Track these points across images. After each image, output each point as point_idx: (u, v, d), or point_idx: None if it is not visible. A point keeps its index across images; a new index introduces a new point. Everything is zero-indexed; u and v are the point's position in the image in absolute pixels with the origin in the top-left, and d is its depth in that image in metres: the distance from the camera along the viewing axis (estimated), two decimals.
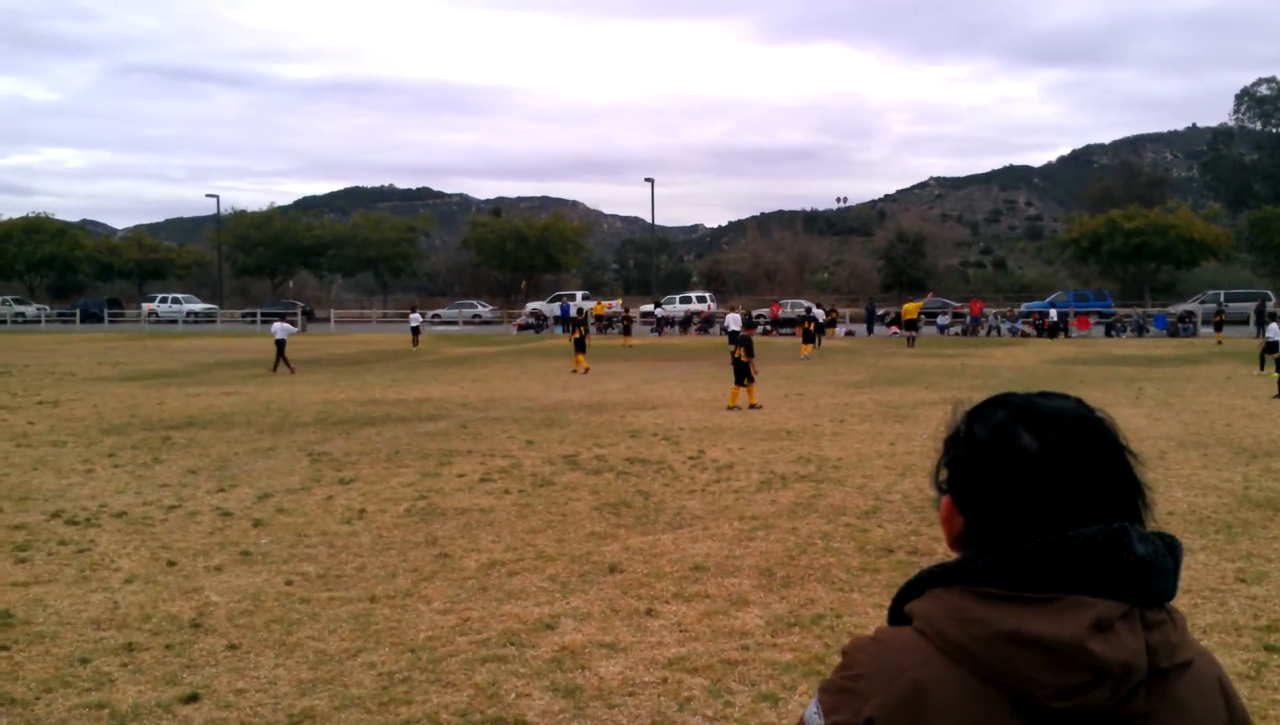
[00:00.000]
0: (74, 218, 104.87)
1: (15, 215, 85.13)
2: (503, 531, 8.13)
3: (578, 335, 26.24)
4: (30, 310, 69.81)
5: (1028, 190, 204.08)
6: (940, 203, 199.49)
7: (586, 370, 25.14)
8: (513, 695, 4.84)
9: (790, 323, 47.43)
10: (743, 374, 16.59)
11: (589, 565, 7.10)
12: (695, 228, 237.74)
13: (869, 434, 13.51)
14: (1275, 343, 21.03)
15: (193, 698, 4.80)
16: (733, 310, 33.12)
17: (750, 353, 16.60)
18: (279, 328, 26.15)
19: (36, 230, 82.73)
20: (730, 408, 16.38)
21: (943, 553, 7.37)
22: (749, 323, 18.94)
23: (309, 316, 62.48)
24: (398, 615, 6.03)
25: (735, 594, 6.39)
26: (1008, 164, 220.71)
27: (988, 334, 44.49)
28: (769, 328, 49.65)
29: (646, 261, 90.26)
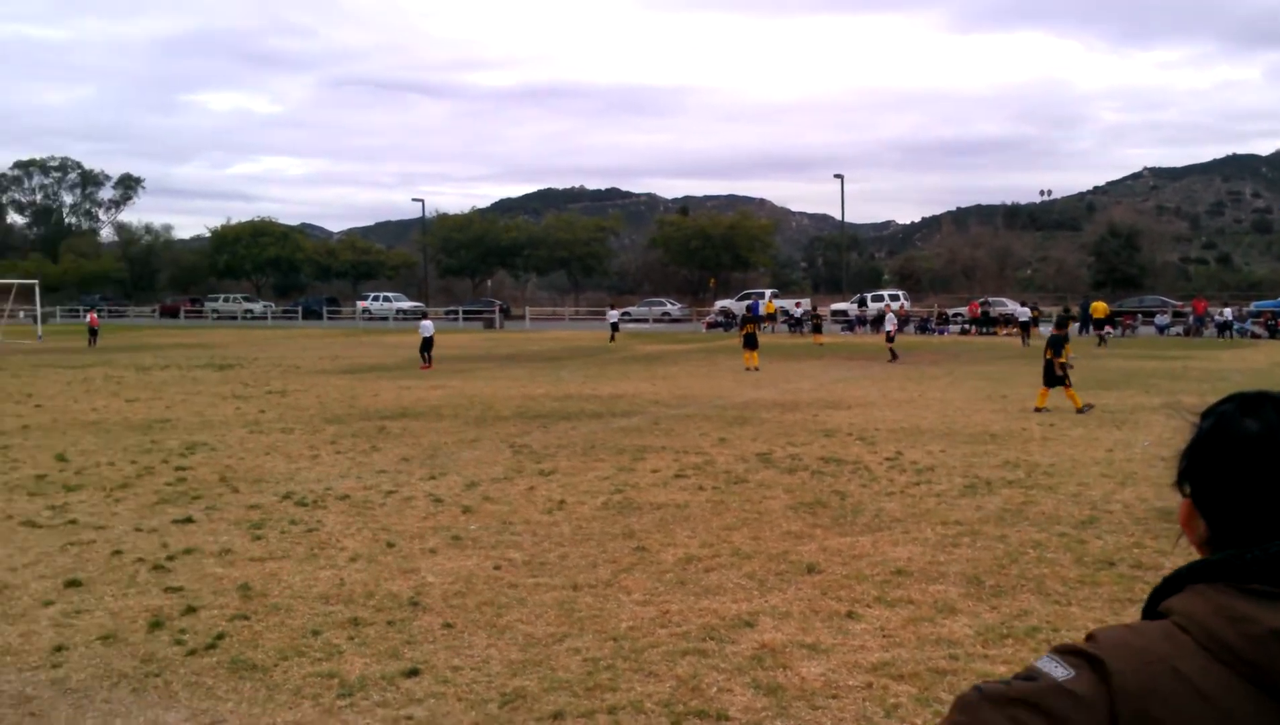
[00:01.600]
0: (294, 222, 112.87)
1: (242, 219, 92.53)
2: (698, 527, 8.19)
3: (747, 331, 26.12)
4: (258, 307, 75.71)
5: (1254, 181, 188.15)
6: (1155, 195, 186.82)
7: (757, 368, 25.02)
8: (714, 689, 4.86)
9: (992, 322, 45.49)
10: (1050, 374, 15.97)
11: (786, 564, 7.04)
12: (886, 224, 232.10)
13: (1083, 439, 12.79)
14: None
15: (413, 672, 5.07)
16: (887, 310, 32.21)
17: (1058, 352, 15.90)
18: (425, 325, 27.48)
19: (262, 233, 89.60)
20: (1037, 409, 15.85)
21: (1171, 566, 6.88)
22: (1062, 322, 18.09)
23: (505, 314, 64.85)
24: (599, 604, 6.17)
25: (941, 601, 6.19)
26: (1230, 153, 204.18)
27: (1222, 334, 40.96)
28: (967, 326, 47.84)
29: (835, 259, 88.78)
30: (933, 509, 8.76)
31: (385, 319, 68.27)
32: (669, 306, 66.61)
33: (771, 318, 50.83)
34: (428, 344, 26.95)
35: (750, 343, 25.87)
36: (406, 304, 71.94)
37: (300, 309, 73.55)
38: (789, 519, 8.44)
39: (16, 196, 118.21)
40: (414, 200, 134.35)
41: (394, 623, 5.84)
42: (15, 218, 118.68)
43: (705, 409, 16.63)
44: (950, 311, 52.06)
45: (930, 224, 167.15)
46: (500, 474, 10.56)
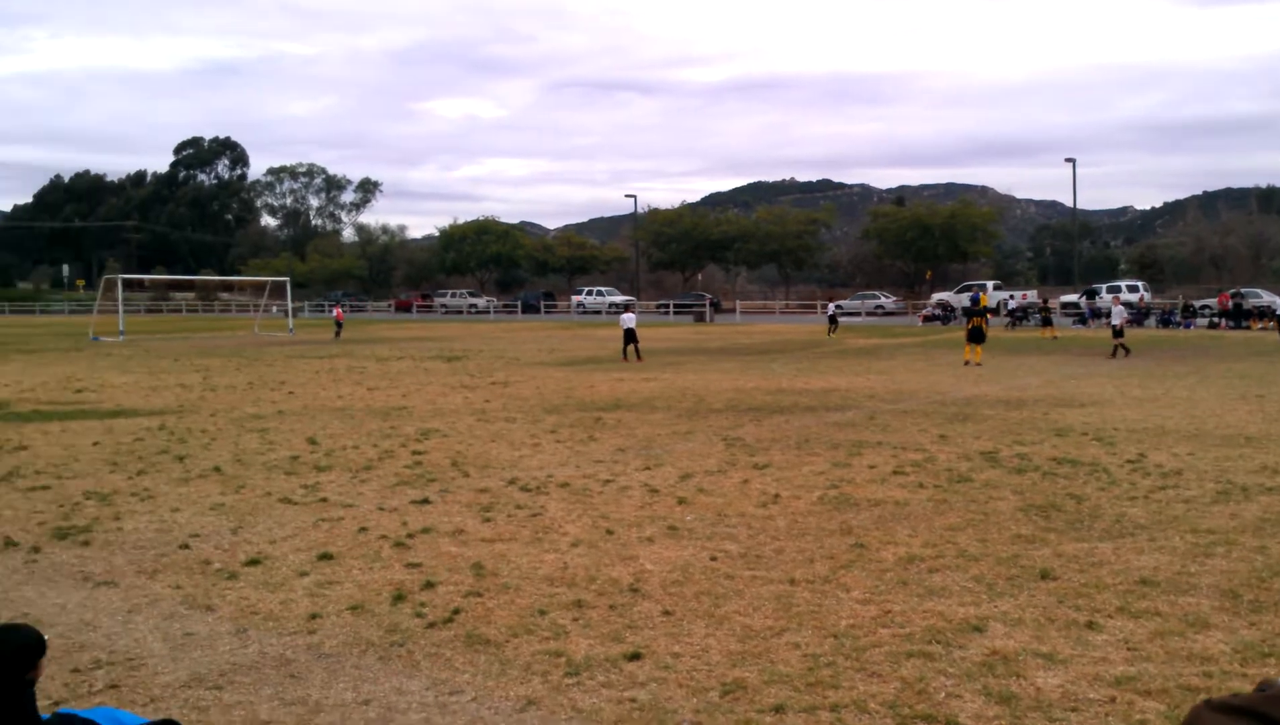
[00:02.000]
0: (514, 220, 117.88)
1: (468, 219, 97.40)
2: (919, 526, 7.93)
3: (974, 325, 25.06)
4: (481, 302, 79.58)
5: None
6: None
7: (979, 363, 23.96)
8: (942, 694, 4.69)
9: (1244, 315, 41.72)
10: None
11: (1017, 569, 6.71)
12: (1123, 211, 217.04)
13: None
14: None
15: (635, 656, 5.18)
16: (1116, 302, 29.84)
17: None
18: (626, 318, 27.67)
19: (485, 232, 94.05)
20: None
21: None
22: None
23: (715, 308, 65.17)
24: (818, 600, 6.09)
25: (1192, 614, 5.72)
26: None
27: None
28: (1216, 320, 44.10)
29: (1065, 248, 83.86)
30: (1181, 516, 8.12)
31: (598, 313, 70.13)
32: (883, 300, 65.03)
33: (993, 311, 48.73)
34: (630, 336, 27.21)
35: (975, 337, 24.86)
36: (619, 298, 73.62)
37: (519, 303, 76.75)
38: (1019, 522, 8.05)
39: (270, 201, 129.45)
40: (626, 196, 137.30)
41: (615, 607, 5.99)
42: (268, 220, 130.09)
43: (924, 404, 16.10)
44: (1197, 303, 48.16)
45: (1173, 209, 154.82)
46: (714, 466, 10.62)
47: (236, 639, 5.52)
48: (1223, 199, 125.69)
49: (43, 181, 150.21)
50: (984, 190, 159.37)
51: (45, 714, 3.75)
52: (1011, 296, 49.43)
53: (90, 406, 16.60)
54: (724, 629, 5.60)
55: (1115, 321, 27.98)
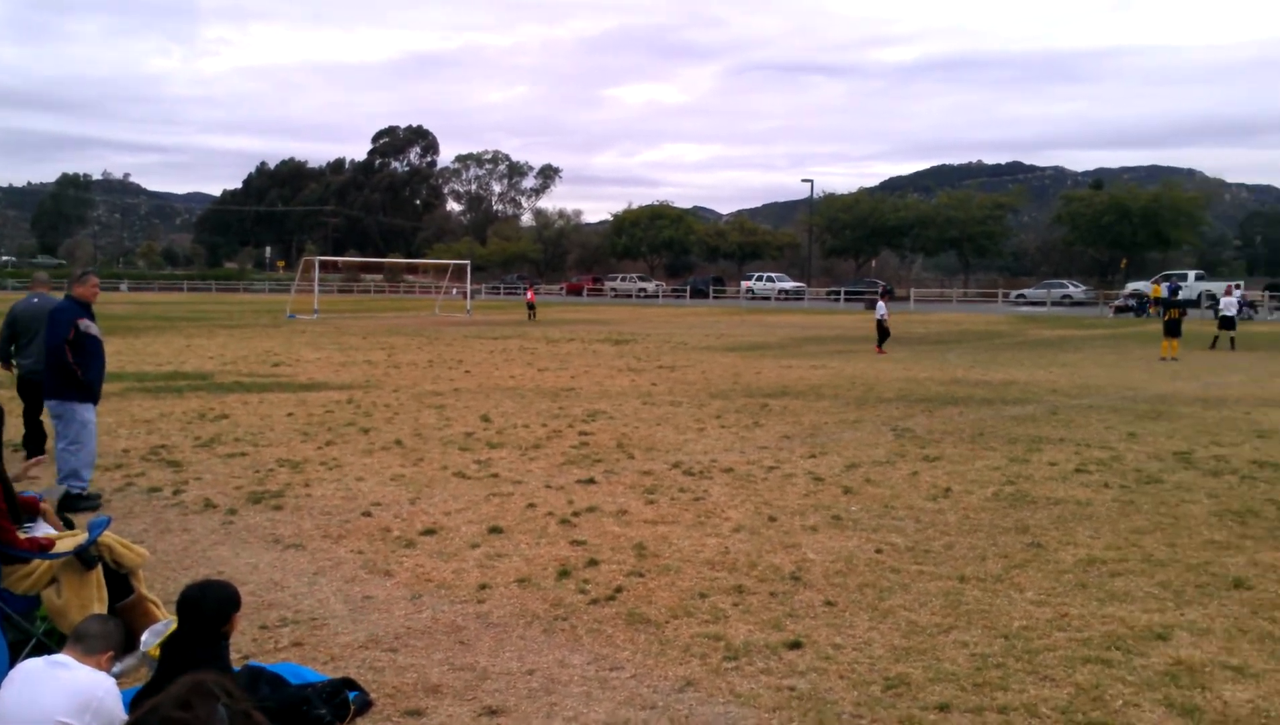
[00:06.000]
0: (688, 205, 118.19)
1: (642, 204, 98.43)
2: (1102, 527, 7.53)
3: (1171, 317, 23.50)
4: (650, 286, 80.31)
5: None
6: None
7: (1175, 358, 22.45)
8: (1119, 703, 4.45)
9: None
10: None
11: (1208, 576, 6.28)
12: None
13: None
14: None
15: (796, 644, 5.14)
16: (1228, 292, 27.82)
17: None
18: (880, 307, 26.83)
19: (658, 216, 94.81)
20: None
21: None
22: None
23: (889, 296, 63.59)
24: (989, 599, 5.88)
25: None
26: None
27: None
28: None
29: (1278, 237, 77.33)
30: None
31: (767, 298, 69.57)
32: (1070, 288, 61.77)
33: (1155, 302, 45.52)
34: (881, 326, 26.04)
35: (1172, 330, 23.36)
36: (789, 284, 72.84)
37: (688, 288, 77.04)
38: (1212, 527, 7.52)
39: (455, 187, 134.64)
40: (803, 181, 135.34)
41: (776, 594, 5.95)
42: (453, 205, 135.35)
43: (1111, 400, 15.23)
44: None
45: None
46: (882, 457, 10.39)
47: (411, 604, 5.80)
48: None
49: (251, 169, 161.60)
50: (1191, 173, 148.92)
51: (235, 666, 4.04)
52: (1234, 288, 46.15)
53: (286, 379, 17.75)
54: (888, 623, 5.48)
55: (1227, 311, 27.23)
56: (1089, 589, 6.05)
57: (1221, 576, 6.26)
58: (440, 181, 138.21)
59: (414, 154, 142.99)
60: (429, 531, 7.37)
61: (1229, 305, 27.43)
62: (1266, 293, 50.02)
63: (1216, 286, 48.61)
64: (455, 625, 5.47)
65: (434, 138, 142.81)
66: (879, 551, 6.86)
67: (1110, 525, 7.59)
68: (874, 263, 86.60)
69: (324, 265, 67.44)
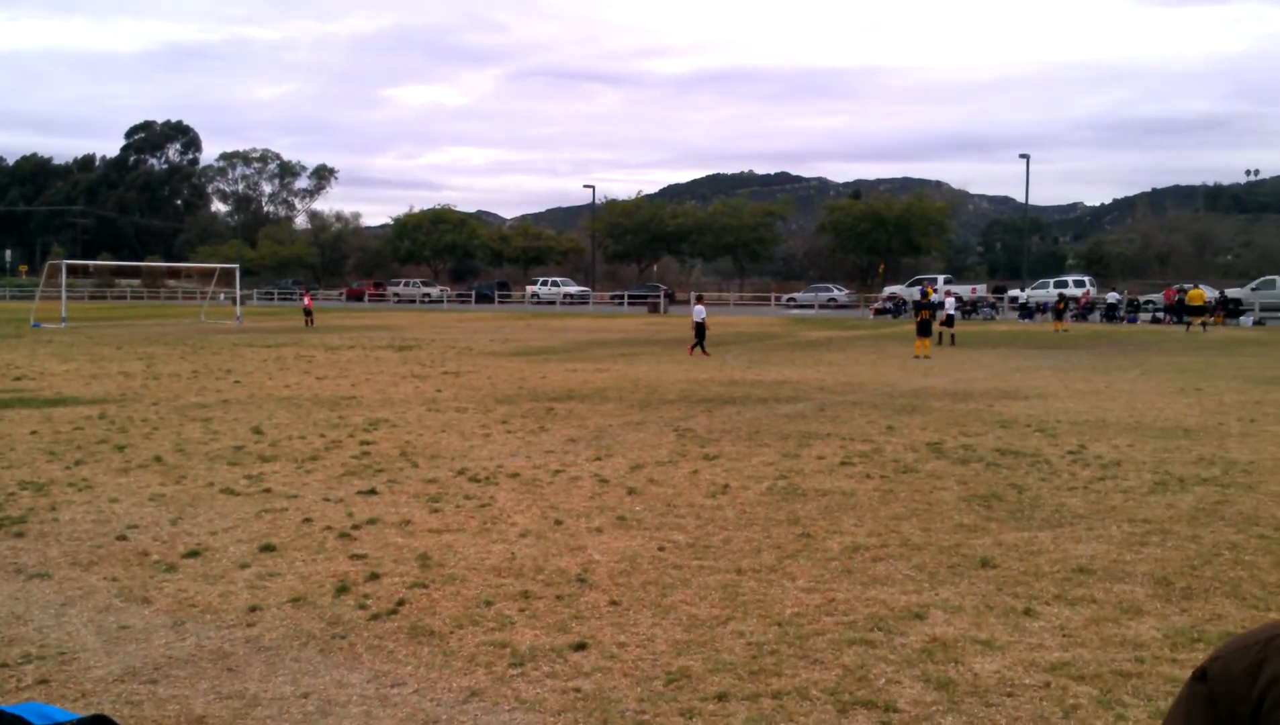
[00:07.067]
0: (471, 209, 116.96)
1: (425, 207, 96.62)
2: (865, 516, 8.02)
3: (923, 318, 25.45)
4: (435, 291, 78.93)
5: None
6: None
7: (928, 356, 24.34)
8: (882, 680, 4.75)
9: (1188, 310, 42.53)
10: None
11: (959, 557, 6.81)
12: (1073, 207, 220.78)
13: None
14: None
15: (581, 646, 5.17)
16: (947, 295, 32.03)
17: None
18: (698, 310, 27.31)
19: (442, 220, 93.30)
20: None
21: None
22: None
23: (670, 299, 65.25)
24: (764, 589, 6.13)
25: (1126, 601, 5.84)
26: None
27: None
28: (1160, 315, 45.05)
29: (1015, 243, 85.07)
30: (1119, 506, 8.29)
31: (553, 303, 69.90)
32: (835, 292, 65.50)
33: (975, 306, 49.59)
34: (700, 329, 26.36)
35: (923, 330, 25.21)
36: (574, 288, 73.45)
37: (473, 293, 76.25)
38: (962, 511, 8.16)
39: (221, 186, 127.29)
40: (585, 187, 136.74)
41: (562, 597, 5.97)
42: (219, 206, 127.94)
43: (872, 397, 16.26)
44: (1142, 299, 49.18)
45: (1122, 206, 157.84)
46: (664, 457, 10.64)
47: (173, 632, 5.43)
48: (1171, 196, 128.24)
49: None
50: (939, 185, 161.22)
51: None
52: (975, 290, 50.24)
53: (29, 394, 16.22)
54: (670, 618, 5.61)
55: (950, 311, 30.54)
56: (854, 574, 6.43)
57: (970, 557, 6.80)
58: (204, 181, 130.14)
59: (173, 151, 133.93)
60: (193, 553, 6.92)
61: (949, 305, 30.66)
62: (993, 293, 55.08)
63: (962, 289, 52.94)
64: (222, 651, 5.16)
65: (195, 134, 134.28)
66: (662, 549, 7.02)
67: (872, 513, 8.09)
68: (655, 267, 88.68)
69: (73, 270, 62.09)
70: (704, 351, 25.77)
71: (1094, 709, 4.42)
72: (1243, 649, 1.07)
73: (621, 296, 68.48)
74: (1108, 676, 4.75)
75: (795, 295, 67.21)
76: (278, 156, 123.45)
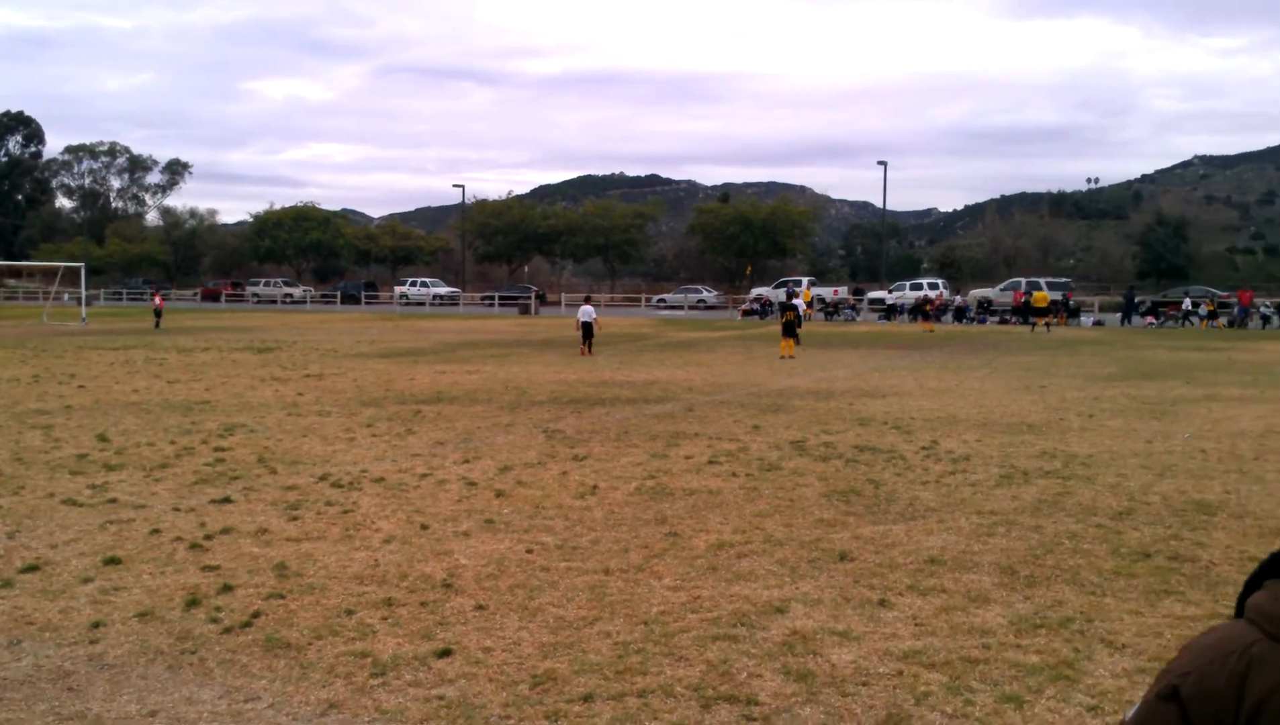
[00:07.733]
0: (336, 207, 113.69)
1: (286, 205, 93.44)
2: (730, 514, 8.17)
3: (787, 319, 26.12)
4: (297, 292, 76.46)
5: None
6: (1205, 184, 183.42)
7: (793, 356, 25.01)
8: (744, 675, 4.84)
9: (1035, 311, 44.81)
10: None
11: (818, 552, 7.01)
12: (928, 212, 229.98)
13: (1122, 431, 12.61)
14: None
15: (446, 653, 5.10)
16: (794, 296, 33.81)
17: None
18: (585, 310, 27.25)
19: (305, 218, 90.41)
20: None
21: (1208, 559, 6.77)
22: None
23: (541, 300, 65.00)
24: (631, 589, 6.18)
25: (974, 590, 6.13)
26: None
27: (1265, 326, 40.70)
28: (1008, 316, 47.35)
29: (874, 247, 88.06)
30: (968, 498, 8.68)
31: (422, 304, 68.70)
32: (705, 294, 66.48)
33: (809, 306, 50.93)
34: (588, 330, 26.49)
35: (788, 331, 25.83)
36: (444, 289, 72.36)
37: (338, 294, 74.24)
38: (822, 507, 8.40)
39: (66, 181, 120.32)
40: (454, 186, 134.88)
41: (427, 604, 5.88)
42: (63, 202, 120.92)
43: (739, 396, 16.57)
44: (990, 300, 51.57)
45: (974, 212, 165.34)
46: (534, 459, 10.60)
47: (9, 652, 5.11)
48: (1018, 203, 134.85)
49: None
50: (803, 190, 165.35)
51: None
52: (837, 292, 51.68)
53: None
54: (537, 621, 5.59)
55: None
56: (719, 571, 6.54)
57: (830, 551, 7.01)
58: (47, 175, 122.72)
59: (14, 143, 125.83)
60: (31, 568, 6.53)
61: (800, 306, 31.76)
62: (853, 294, 57.11)
63: (825, 291, 54.52)
64: (63, 671, 4.89)
65: (38, 125, 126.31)
66: (530, 552, 6.99)
67: (737, 511, 8.25)
68: (526, 268, 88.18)
69: None
70: (589, 352, 25.84)
71: (944, 695, 4.61)
72: (1216, 661, 1.04)
73: (492, 298, 67.82)
74: (956, 663, 4.97)
75: (665, 296, 67.90)
76: (127, 150, 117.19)
